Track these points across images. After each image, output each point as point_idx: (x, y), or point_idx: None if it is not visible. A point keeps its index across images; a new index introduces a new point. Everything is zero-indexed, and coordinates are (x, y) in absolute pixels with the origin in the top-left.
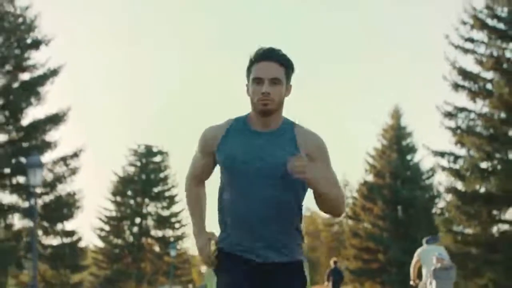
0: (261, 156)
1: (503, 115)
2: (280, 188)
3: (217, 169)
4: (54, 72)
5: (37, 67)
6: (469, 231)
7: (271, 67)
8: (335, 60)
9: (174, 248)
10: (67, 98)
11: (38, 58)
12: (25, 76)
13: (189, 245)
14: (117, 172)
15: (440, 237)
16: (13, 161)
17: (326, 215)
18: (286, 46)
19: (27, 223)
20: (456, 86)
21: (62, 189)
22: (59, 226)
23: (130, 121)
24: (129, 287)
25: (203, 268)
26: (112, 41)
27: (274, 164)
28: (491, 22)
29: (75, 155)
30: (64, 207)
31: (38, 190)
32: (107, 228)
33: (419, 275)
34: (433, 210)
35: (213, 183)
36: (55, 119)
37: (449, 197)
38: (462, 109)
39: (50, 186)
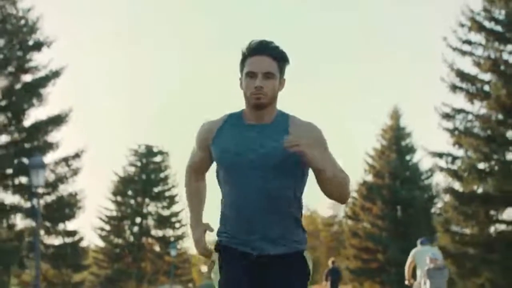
0: (253, 148)
1: (500, 116)
2: (274, 178)
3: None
4: (56, 74)
5: (39, 68)
6: (466, 231)
7: (264, 61)
8: (334, 60)
9: (175, 248)
10: (68, 99)
11: (40, 60)
12: (27, 78)
13: (189, 245)
14: (117, 172)
15: (438, 237)
16: (16, 161)
17: (326, 215)
18: (286, 46)
19: (29, 223)
20: (454, 88)
21: (64, 189)
22: (61, 226)
23: (130, 121)
24: (129, 287)
25: (204, 268)
26: (113, 42)
27: (267, 155)
28: (488, 24)
29: (77, 155)
30: (66, 207)
31: (40, 191)
32: (107, 227)
33: (414, 275)
34: (432, 210)
35: (215, 179)
36: (57, 120)
37: (447, 197)
38: (460, 111)
39: (52, 186)
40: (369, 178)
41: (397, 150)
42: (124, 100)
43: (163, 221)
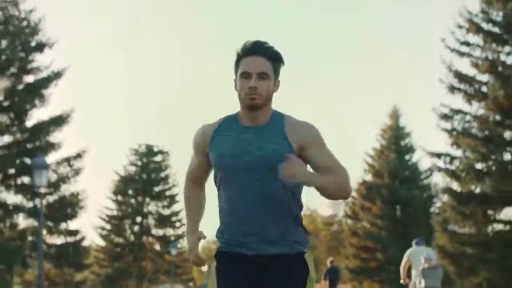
0: (249, 150)
1: (498, 117)
2: (270, 180)
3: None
4: (57, 75)
5: (41, 69)
6: (464, 230)
7: (259, 62)
8: (334, 60)
9: (175, 247)
10: (70, 99)
11: (42, 61)
12: (29, 79)
13: None
14: (118, 172)
15: (436, 237)
16: (18, 161)
17: (326, 215)
18: (286, 46)
19: (32, 222)
20: (452, 89)
21: (66, 189)
22: (63, 226)
23: (131, 121)
24: (130, 286)
25: (204, 268)
26: (113, 43)
27: (263, 157)
28: (486, 26)
29: (79, 156)
30: (67, 207)
31: (43, 190)
32: (108, 227)
33: (409, 275)
34: (431, 210)
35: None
36: (59, 121)
37: (445, 197)
38: (458, 111)
39: (54, 186)
40: (369, 177)
41: (396, 150)
42: (125, 100)
43: (164, 220)
